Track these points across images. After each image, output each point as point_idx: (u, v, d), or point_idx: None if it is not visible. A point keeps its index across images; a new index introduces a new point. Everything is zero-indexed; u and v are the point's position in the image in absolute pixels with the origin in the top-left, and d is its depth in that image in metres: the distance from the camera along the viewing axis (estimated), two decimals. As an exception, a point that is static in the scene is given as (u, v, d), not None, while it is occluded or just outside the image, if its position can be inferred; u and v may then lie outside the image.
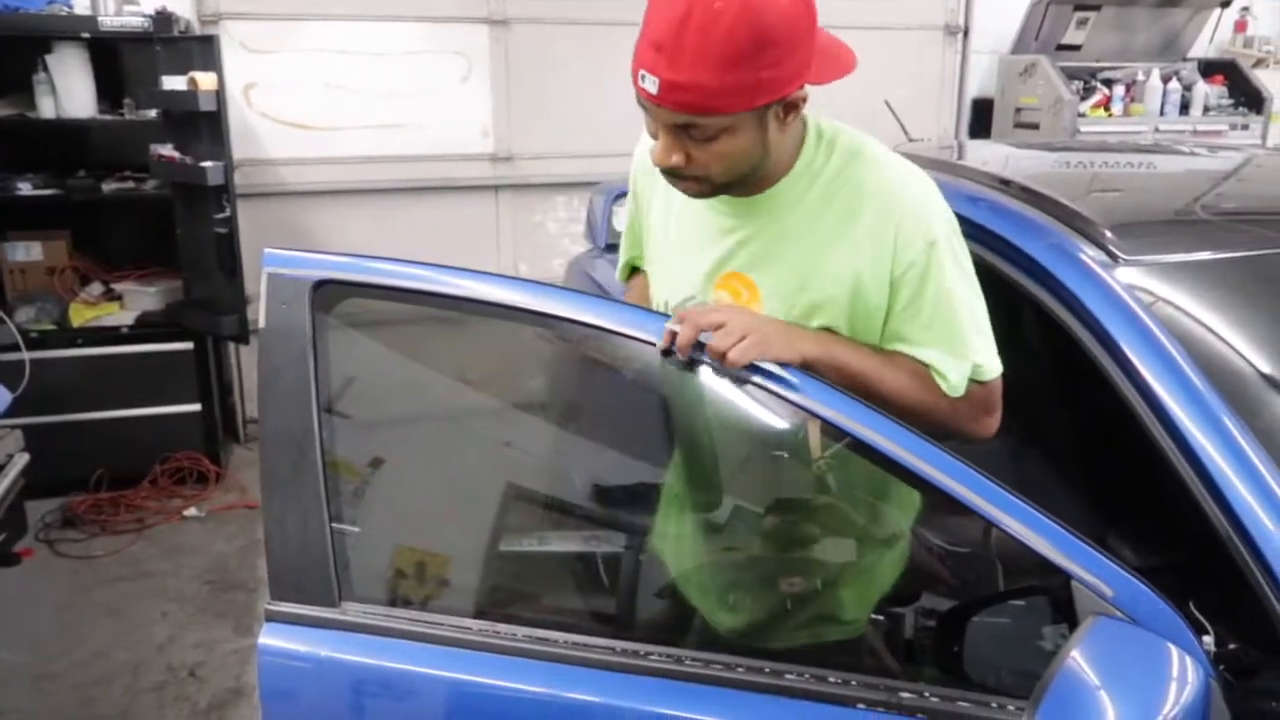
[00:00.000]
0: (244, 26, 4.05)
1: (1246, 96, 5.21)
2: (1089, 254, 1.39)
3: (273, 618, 1.13)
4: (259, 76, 4.15)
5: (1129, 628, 0.93)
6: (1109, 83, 5.08)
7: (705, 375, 1.17)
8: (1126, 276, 1.34)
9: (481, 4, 4.40)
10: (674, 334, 1.15)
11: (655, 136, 1.16)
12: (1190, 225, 1.60)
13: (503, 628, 1.09)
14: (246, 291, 3.70)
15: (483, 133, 4.55)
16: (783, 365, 1.14)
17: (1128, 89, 4.98)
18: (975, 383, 1.24)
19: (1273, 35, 5.69)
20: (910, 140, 2.87)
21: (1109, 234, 1.42)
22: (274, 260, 1.21)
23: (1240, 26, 5.54)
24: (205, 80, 3.34)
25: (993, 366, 1.26)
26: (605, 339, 1.19)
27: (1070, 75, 4.93)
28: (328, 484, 1.14)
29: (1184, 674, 0.89)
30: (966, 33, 5.20)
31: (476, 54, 4.45)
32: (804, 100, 1.16)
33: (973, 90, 5.33)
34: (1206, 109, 5.11)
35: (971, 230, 1.57)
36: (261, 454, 1.17)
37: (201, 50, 3.46)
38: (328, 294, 1.20)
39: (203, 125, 3.47)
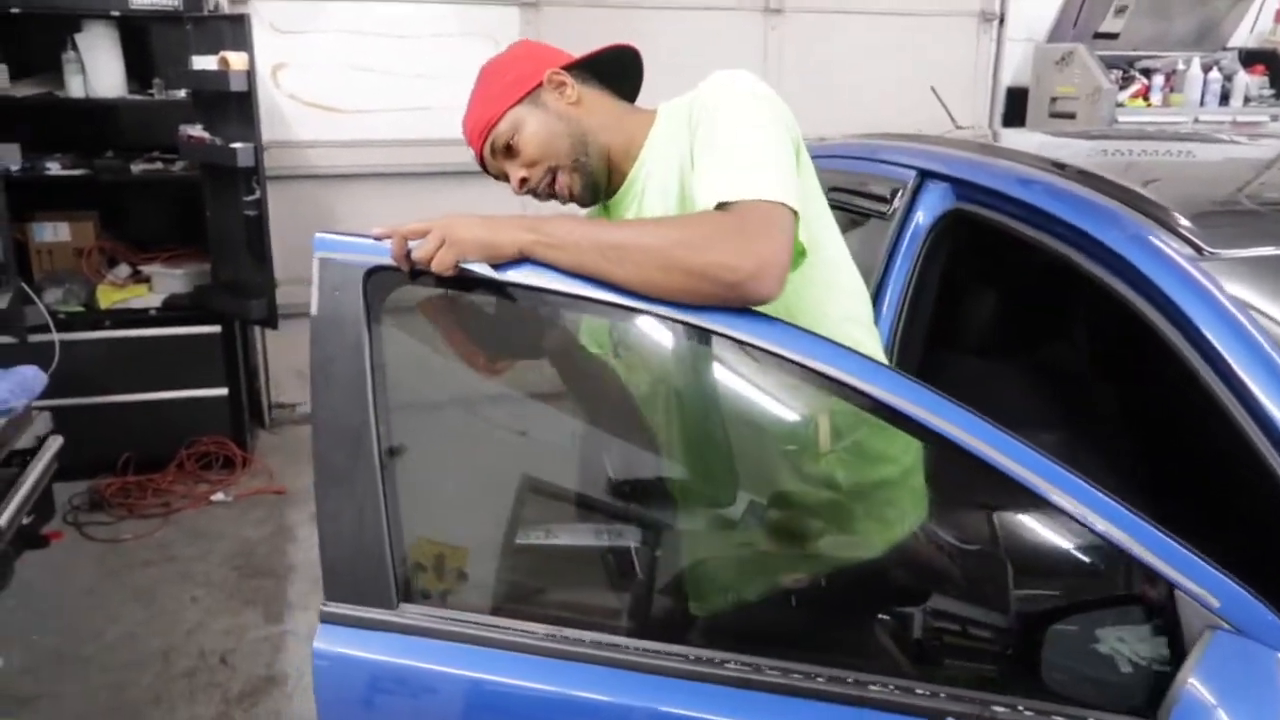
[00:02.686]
0: (273, 6, 4.00)
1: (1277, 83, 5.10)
2: (1173, 246, 1.32)
3: (328, 619, 1.09)
4: (287, 57, 4.11)
5: (1243, 643, 0.88)
6: (1147, 72, 4.98)
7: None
8: (1214, 270, 1.28)
9: (512, -15, 4.34)
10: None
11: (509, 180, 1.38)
12: (1273, 216, 1.53)
13: (572, 633, 1.05)
14: (275, 275, 3.68)
15: (511, 117, 4.49)
16: (497, 265, 1.12)
17: (1167, 79, 4.88)
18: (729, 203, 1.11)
19: (1315, 24, 5.56)
20: (957, 127, 2.80)
21: (1191, 225, 1.36)
22: (325, 245, 1.16)
23: (1281, 16, 5.41)
24: (236, 60, 3.30)
25: (755, 193, 1.10)
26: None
27: (1108, 64, 4.83)
28: (385, 479, 1.09)
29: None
30: (1002, 20, 5.11)
31: (506, 36, 4.38)
32: (562, 79, 1.36)
33: (1006, 79, 5.24)
34: (1247, 99, 5.00)
35: (1039, 218, 1.52)
36: (315, 447, 1.12)
37: (233, 30, 3.42)
38: (382, 281, 1.15)
39: (233, 106, 3.43)
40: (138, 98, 3.68)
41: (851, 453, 1.33)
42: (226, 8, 3.90)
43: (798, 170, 1.21)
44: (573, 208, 1.44)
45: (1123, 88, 4.82)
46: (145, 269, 3.92)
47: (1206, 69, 4.90)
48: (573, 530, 1.34)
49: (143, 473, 3.79)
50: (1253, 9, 5.23)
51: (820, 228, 1.31)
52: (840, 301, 1.38)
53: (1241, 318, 1.19)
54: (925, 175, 1.84)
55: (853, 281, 1.41)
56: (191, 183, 3.76)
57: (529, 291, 1.13)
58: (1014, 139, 3.12)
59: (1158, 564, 0.93)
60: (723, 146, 1.18)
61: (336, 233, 1.18)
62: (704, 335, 1.12)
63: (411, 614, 1.08)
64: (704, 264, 1.05)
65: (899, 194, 1.87)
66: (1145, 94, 4.86)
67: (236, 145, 3.39)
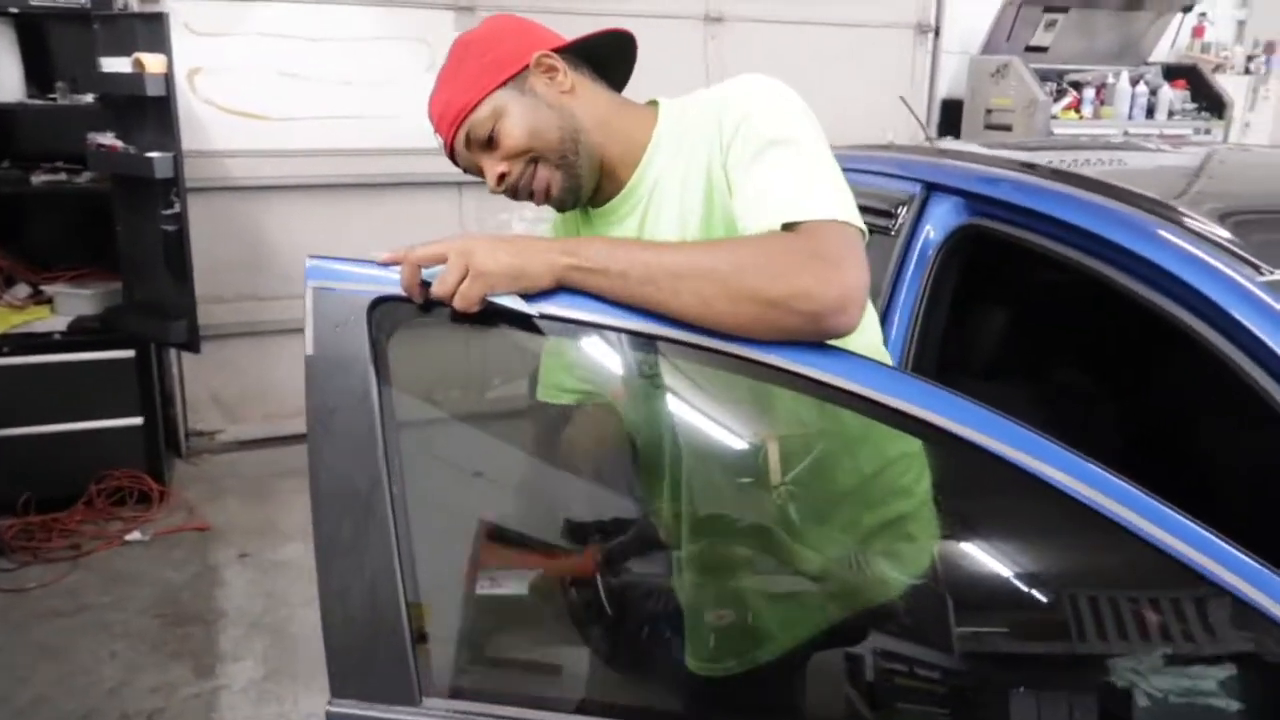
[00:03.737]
0: (189, 7, 3.72)
1: (1208, 101, 5.25)
2: (1231, 265, 1.24)
3: (337, 721, 0.91)
4: (204, 61, 3.83)
5: None
6: (1077, 85, 5.07)
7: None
8: (1275, 289, 1.20)
9: (446, -12, 4.15)
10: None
11: (482, 175, 1.20)
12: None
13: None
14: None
15: (446, 126, 4.29)
16: (528, 297, 0.96)
17: (1098, 91, 4.97)
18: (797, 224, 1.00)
19: (1227, 41, 5.76)
20: (930, 140, 2.73)
21: (1241, 241, 1.28)
22: (320, 273, 0.99)
23: (1198, 32, 5.59)
24: (153, 62, 3.04)
25: (824, 213, 1.00)
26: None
27: (1041, 77, 4.89)
28: (401, 549, 0.92)
29: None
30: (937, 32, 5.13)
31: (440, 41, 4.17)
32: (553, 64, 1.19)
33: (942, 90, 5.27)
34: (1171, 113, 5.13)
35: (1072, 234, 1.43)
36: (315, 514, 0.95)
37: (148, 29, 3.14)
38: (389, 313, 0.98)
39: (149, 112, 3.15)
40: (38, 102, 3.37)
41: (875, 488, 1.21)
42: (137, 6, 3.61)
43: None
44: (541, 210, 1.28)
45: (1055, 100, 4.89)
46: (47, 289, 3.60)
47: (1134, 82, 5.01)
48: (636, 596, 1.17)
49: (47, 512, 3.45)
50: (1172, 26, 5.39)
51: None
52: (865, 326, 1.26)
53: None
54: (932, 188, 1.74)
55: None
56: (99, 195, 3.46)
57: (565, 324, 0.97)
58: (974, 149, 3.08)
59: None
60: (777, 162, 1.05)
61: (331, 258, 1.00)
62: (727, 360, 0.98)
63: (439, 711, 0.91)
64: (781, 293, 0.91)
65: (903, 209, 1.77)
66: (1077, 106, 4.94)
67: (154, 155, 3.12)
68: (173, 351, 4.04)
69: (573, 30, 1.27)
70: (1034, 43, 5.12)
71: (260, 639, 2.86)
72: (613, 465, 1.31)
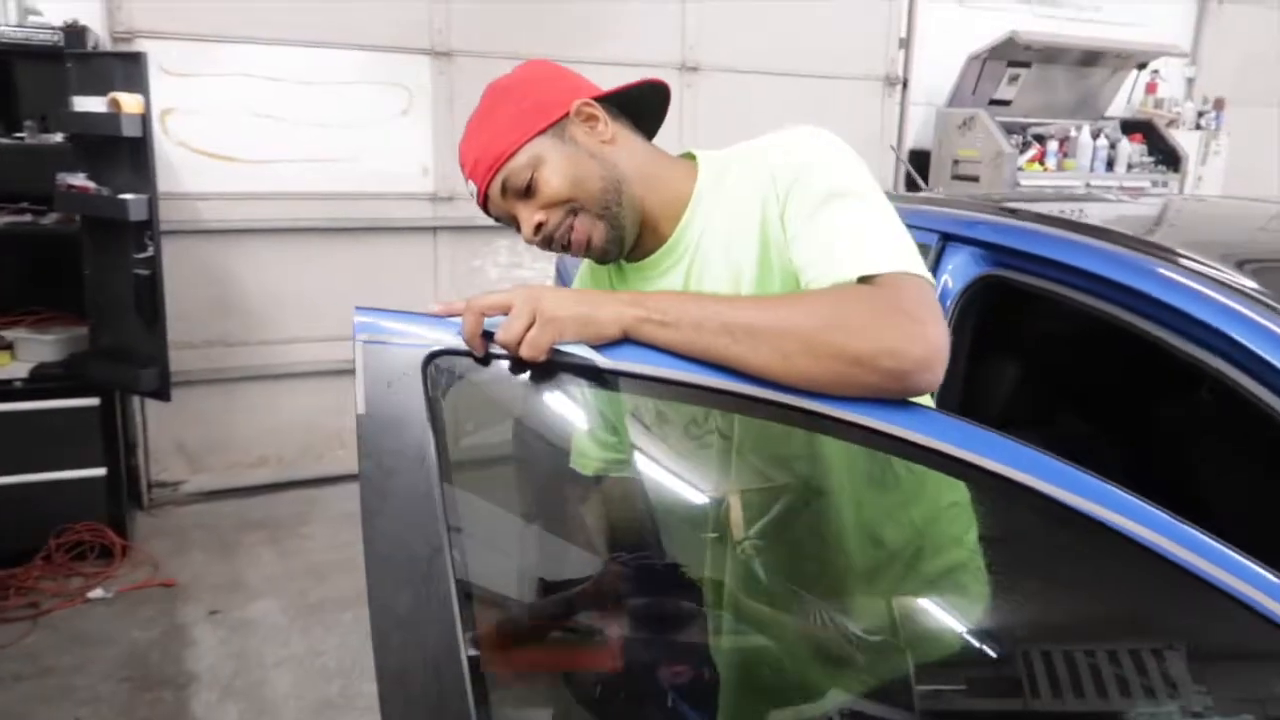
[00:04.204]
0: (162, 46, 3.65)
1: (1164, 154, 5.41)
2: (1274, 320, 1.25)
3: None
4: (177, 102, 3.75)
5: None
6: (1040, 138, 5.19)
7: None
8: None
9: (424, 34, 4.13)
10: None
11: (519, 226, 1.17)
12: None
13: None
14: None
15: (422, 170, 4.26)
16: (596, 346, 0.93)
17: (1061, 144, 5.09)
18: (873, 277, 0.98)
19: (1179, 98, 5.96)
20: (926, 190, 2.75)
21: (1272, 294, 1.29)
22: (369, 326, 0.94)
23: (1151, 88, 5.77)
24: (130, 102, 2.96)
25: (898, 265, 0.98)
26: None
27: (1006, 129, 5.00)
28: (466, 622, 0.86)
29: None
30: (905, 85, 5.23)
31: (418, 86, 4.17)
32: (593, 112, 1.17)
33: (910, 141, 5.36)
34: (1130, 165, 5.27)
35: (1099, 285, 1.43)
36: (370, 583, 0.88)
37: (125, 69, 3.07)
38: (445, 367, 0.93)
39: (124, 152, 3.07)
40: (4, 141, 3.27)
41: (930, 538, 1.19)
42: (109, 45, 3.53)
43: None
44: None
45: (1021, 152, 5.00)
46: (8, 334, 3.45)
47: (1094, 136, 5.15)
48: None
49: (3, 568, 3.29)
50: (1128, 82, 5.56)
51: None
52: None
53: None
54: (948, 239, 1.74)
55: None
56: (64, 237, 3.35)
57: (632, 379, 0.93)
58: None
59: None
60: (842, 213, 1.03)
61: (378, 310, 0.95)
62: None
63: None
64: (867, 350, 0.88)
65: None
66: (1041, 158, 5.05)
67: (128, 197, 3.03)
68: (136, 400, 3.91)
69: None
70: (998, 96, 5.25)
71: (234, 704, 2.73)
72: (624, 544, 1.26)
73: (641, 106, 1.27)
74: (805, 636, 1.13)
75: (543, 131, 1.14)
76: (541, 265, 4.66)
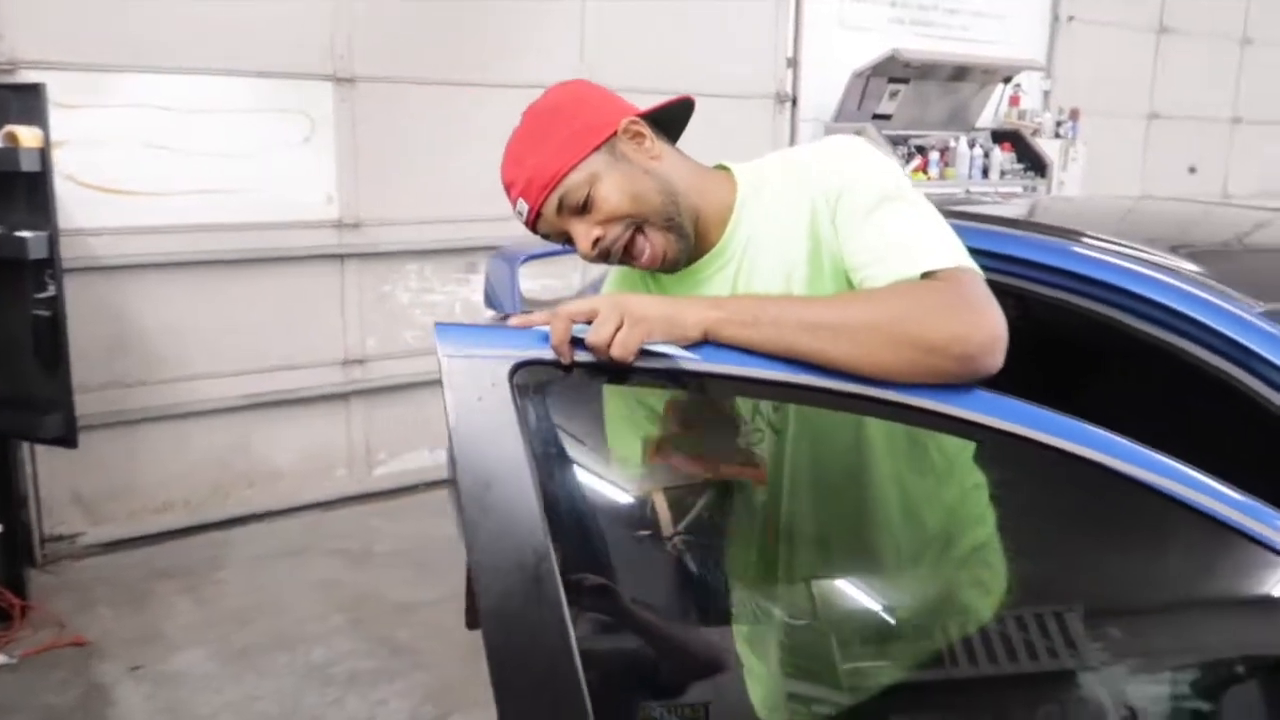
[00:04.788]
0: (52, 77, 3.44)
1: (1031, 161, 5.80)
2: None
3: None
4: (67, 134, 3.54)
5: None
6: (921, 149, 5.49)
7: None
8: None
9: (326, 60, 4.05)
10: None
11: (571, 245, 1.21)
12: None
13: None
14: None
15: (326, 198, 4.16)
16: (683, 346, 0.98)
17: (942, 154, 5.39)
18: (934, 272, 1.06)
19: (1039, 109, 6.41)
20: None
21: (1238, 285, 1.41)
22: (451, 339, 0.94)
23: (1014, 101, 6.18)
24: (28, 136, 2.80)
25: (953, 261, 1.06)
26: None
27: (892, 142, 5.27)
28: (572, 621, 0.88)
29: None
30: (795, 101, 5.44)
31: (320, 113, 4.08)
32: (640, 130, 1.23)
33: (800, 156, 5.57)
34: (1003, 172, 5.64)
35: (1085, 285, 1.54)
36: (481, 594, 0.88)
37: (21, 101, 2.90)
38: (531, 377, 0.95)
39: (20, 188, 2.89)
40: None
41: (958, 518, 1.26)
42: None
43: None
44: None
45: (906, 162, 5.27)
46: (-114, 387, 3.19)
47: (970, 145, 5.48)
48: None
49: (-110, 642, 3.03)
50: (995, 95, 5.95)
51: None
52: None
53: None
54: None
55: None
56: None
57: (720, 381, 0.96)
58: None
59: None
60: (895, 215, 1.10)
61: (459, 325, 0.96)
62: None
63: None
64: (940, 338, 0.95)
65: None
66: (924, 168, 5.34)
67: (25, 234, 2.86)
68: (25, 449, 3.67)
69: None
70: (880, 111, 5.52)
71: (179, 759, 2.59)
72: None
73: (669, 121, 1.32)
74: (856, 619, 1.19)
75: (596, 149, 1.19)
76: (451, 289, 4.63)
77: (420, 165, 4.29)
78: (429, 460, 4.61)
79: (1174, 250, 1.59)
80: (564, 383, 0.97)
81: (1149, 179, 7.34)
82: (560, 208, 1.18)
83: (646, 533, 1.07)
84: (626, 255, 1.21)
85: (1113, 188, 6.46)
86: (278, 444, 4.27)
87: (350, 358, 4.36)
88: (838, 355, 0.96)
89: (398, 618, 3.42)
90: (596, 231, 1.18)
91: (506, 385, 0.93)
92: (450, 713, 2.81)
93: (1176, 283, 1.44)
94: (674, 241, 1.21)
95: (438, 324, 0.95)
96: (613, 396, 1.21)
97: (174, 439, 4.04)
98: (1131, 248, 1.58)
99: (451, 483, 3.13)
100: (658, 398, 1.20)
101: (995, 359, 0.98)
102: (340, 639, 3.28)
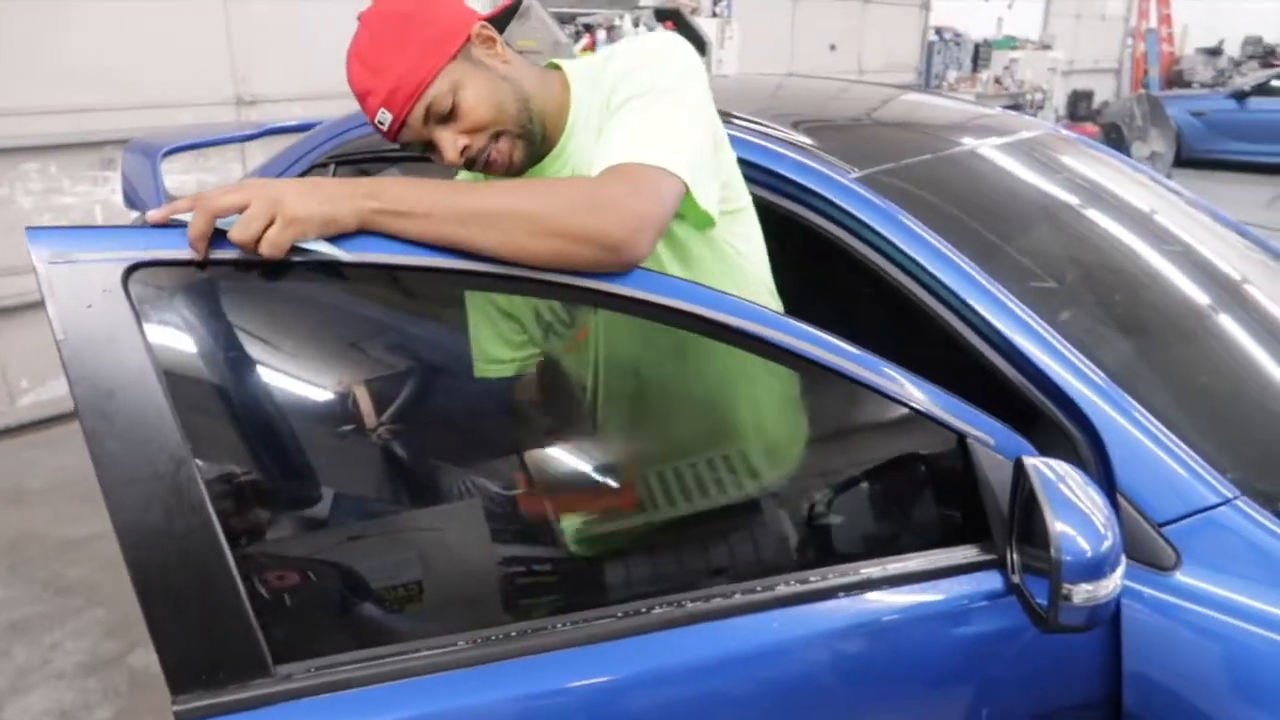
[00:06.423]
0: None
1: (691, 40, 6.05)
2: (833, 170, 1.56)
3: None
4: None
5: (1048, 460, 1.10)
6: (589, 28, 5.55)
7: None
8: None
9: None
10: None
11: (436, 155, 1.20)
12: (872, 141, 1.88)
13: (493, 632, 0.95)
14: None
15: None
16: (334, 239, 0.94)
17: (608, 32, 5.48)
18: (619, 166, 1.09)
19: (697, -14, 6.65)
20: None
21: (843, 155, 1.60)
22: (47, 243, 0.86)
23: (674, -22, 6.35)
24: None
25: (661, 159, 1.07)
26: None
27: (560, 20, 5.27)
28: (222, 521, 0.87)
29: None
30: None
31: None
32: (491, 35, 1.22)
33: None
34: (666, 51, 5.84)
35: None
36: (112, 507, 0.85)
37: None
38: (150, 278, 0.89)
39: None
40: None
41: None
42: None
43: (715, 145, 1.21)
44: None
45: (575, 41, 5.30)
46: None
47: (635, 24, 5.61)
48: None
49: None
50: (655, -28, 6.09)
51: (739, 193, 1.33)
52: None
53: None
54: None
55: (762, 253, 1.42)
56: None
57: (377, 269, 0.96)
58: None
59: (949, 418, 1.12)
60: (631, 113, 1.13)
61: (56, 229, 0.87)
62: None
63: (299, 674, 0.89)
64: (581, 230, 0.98)
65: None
66: (593, 46, 5.41)
67: None
68: None
69: None
70: (544, -12, 5.48)
71: None
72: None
73: (499, 27, 1.28)
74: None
75: (454, 57, 1.16)
76: (86, 189, 4.13)
77: (55, 43, 3.71)
78: (83, 382, 4.17)
79: (795, 125, 1.77)
80: (205, 279, 0.92)
81: (797, 57, 7.92)
82: (426, 117, 1.16)
83: (348, 427, 1.08)
84: (488, 163, 1.20)
85: (765, 66, 6.90)
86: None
87: (-34, 276, 3.80)
88: (486, 245, 0.97)
89: (64, 556, 3.13)
90: (464, 140, 1.17)
91: (120, 290, 0.86)
92: (135, 645, 2.65)
93: (790, 154, 1.61)
94: (522, 148, 1.21)
95: (28, 229, 0.86)
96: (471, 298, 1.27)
97: None
98: (765, 125, 1.73)
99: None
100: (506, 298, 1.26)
101: (639, 249, 1.01)
102: (-5, 587, 2.97)
